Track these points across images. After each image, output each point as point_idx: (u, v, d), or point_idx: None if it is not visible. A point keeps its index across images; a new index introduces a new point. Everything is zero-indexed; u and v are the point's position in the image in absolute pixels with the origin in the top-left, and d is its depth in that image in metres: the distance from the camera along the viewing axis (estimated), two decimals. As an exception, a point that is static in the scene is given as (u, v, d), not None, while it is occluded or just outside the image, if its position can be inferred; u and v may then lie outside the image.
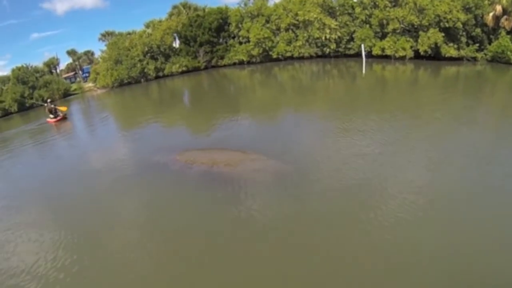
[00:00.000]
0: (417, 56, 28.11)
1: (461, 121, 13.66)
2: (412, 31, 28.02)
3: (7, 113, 37.27)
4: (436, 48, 26.33)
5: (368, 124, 13.78)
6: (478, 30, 24.95)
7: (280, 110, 19.64)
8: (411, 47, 27.92)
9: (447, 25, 25.01)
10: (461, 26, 24.72)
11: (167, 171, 11.72)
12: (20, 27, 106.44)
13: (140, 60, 40.75)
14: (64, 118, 26.34)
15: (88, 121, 27.84)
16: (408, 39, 28.07)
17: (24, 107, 37.19)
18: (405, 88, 21.73)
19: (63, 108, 27.52)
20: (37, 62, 67.77)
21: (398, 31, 28.56)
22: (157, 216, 9.26)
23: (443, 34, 25.48)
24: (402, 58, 28.71)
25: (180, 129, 19.11)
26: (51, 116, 26.26)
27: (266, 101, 23.25)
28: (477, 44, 25.21)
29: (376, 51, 30.19)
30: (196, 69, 42.81)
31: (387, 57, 29.88)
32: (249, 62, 40.14)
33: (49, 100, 29.38)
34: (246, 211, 8.49)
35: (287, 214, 8.19)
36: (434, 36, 25.73)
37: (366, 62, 30.97)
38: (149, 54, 41.37)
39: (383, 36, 30.11)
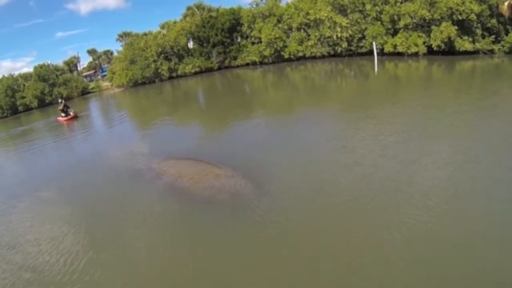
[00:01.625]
0: (431, 51, 27.05)
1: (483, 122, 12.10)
2: (425, 26, 27.09)
3: (28, 108, 38.90)
4: (450, 42, 25.24)
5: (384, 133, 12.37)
6: (494, 21, 23.79)
7: (289, 113, 18.69)
8: (424, 42, 26.93)
9: (460, 17, 23.98)
10: (475, 17, 23.65)
11: (138, 180, 11.72)
12: (46, 26, 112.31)
13: (154, 61, 41.49)
14: (75, 117, 26.95)
15: (97, 120, 28.45)
16: (420, 34, 27.12)
17: (43, 103, 38.62)
18: (420, 88, 19.99)
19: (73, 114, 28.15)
20: (61, 59, 70.52)
21: (410, 26, 27.67)
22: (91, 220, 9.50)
23: (456, 27, 24.44)
24: (415, 54, 27.69)
25: (184, 132, 18.89)
26: (63, 114, 26.95)
27: (276, 103, 22.68)
28: (493, 36, 24.09)
29: (388, 48, 29.32)
30: (209, 70, 43.16)
31: (399, 54, 28.94)
32: (261, 63, 40.03)
33: (59, 100, 30.18)
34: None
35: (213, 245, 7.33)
36: (447, 29, 24.68)
37: (378, 60, 30.09)
38: (163, 55, 42.02)
39: (395, 33, 29.27)
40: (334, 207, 7.91)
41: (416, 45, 27.24)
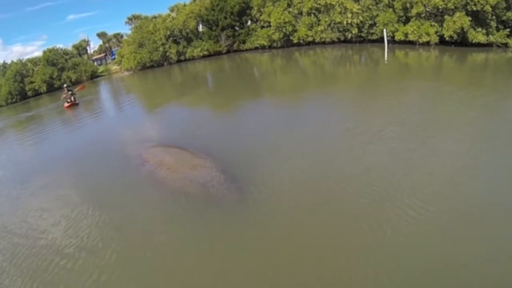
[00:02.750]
0: (443, 41, 26.32)
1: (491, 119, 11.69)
2: (438, 15, 26.24)
3: (37, 93, 39.42)
4: (463, 33, 24.51)
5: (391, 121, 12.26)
6: (510, 13, 22.91)
7: (295, 99, 18.63)
8: (436, 32, 26.20)
9: (474, 8, 23.15)
10: (490, 9, 22.79)
11: (123, 166, 12.21)
12: (57, 9, 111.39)
13: (162, 44, 41.23)
14: (75, 104, 27.41)
15: (102, 105, 28.84)
16: (432, 23, 26.34)
17: (52, 88, 39.05)
18: (429, 78, 19.46)
19: (80, 87, 28.39)
20: (72, 43, 70.56)
21: (422, 15, 26.85)
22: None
23: (470, 19, 23.64)
24: (427, 43, 27.01)
25: (187, 117, 18.89)
26: (68, 100, 27.46)
27: (284, 88, 22.64)
28: (508, 29, 23.18)
29: (399, 36, 28.62)
30: (218, 53, 42.77)
31: (410, 42, 28.25)
32: (270, 47, 39.51)
33: (65, 85, 30.45)
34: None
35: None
36: (461, 20, 23.91)
37: (388, 47, 29.44)
38: (171, 38, 41.70)
39: (407, 21, 28.47)
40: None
41: (428, 34, 26.52)
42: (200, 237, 7.41)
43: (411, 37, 27.65)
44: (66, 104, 27.57)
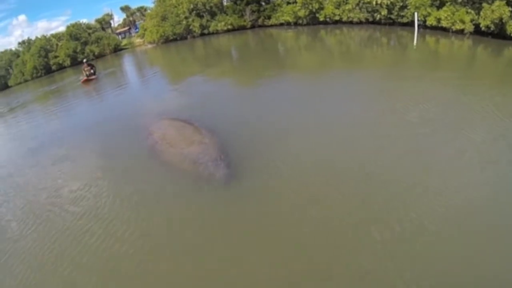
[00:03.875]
0: (478, 31, 24.22)
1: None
2: (476, 1, 23.97)
3: (61, 67, 40.56)
4: (501, 24, 22.36)
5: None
6: (556, 6, 20.58)
7: (316, 77, 18.49)
8: (472, 20, 24.02)
9: (516, -3, 20.95)
10: (534, 0, 20.55)
11: (130, 138, 13.15)
12: None
13: (186, 17, 40.59)
14: (89, 80, 28.02)
15: (118, 76, 29.54)
16: (469, 10, 24.12)
17: (76, 62, 39.92)
18: (458, 69, 18.14)
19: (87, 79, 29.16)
20: (96, 17, 70.98)
21: (459, 0, 24.63)
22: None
23: (511, 9, 21.46)
24: (461, 32, 25.00)
25: (205, 90, 19.27)
26: (86, 74, 28.11)
27: (306, 65, 22.58)
28: (553, 24, 20.93)
29: (430, 21, 26.57)
30: (242, 28, 41.79)
31: (443, 29, 26.20)
32: (295, 24, 38.02)
33: (85, 60, 30.96)
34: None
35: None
36: (500, 9, 21.70)
37: (419, 32, 27.58)
38: (194, 12, 40.85)
39: (441, 5, 26.23)
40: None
41: (462, 21, 24.42)
42: (178, 211, 7.93)
43: (443, 23, 25.61)
44: (82, 79, 28.29)
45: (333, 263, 5.71)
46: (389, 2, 29.18)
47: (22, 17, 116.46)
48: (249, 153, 9.61)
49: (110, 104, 21.22)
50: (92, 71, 28.53)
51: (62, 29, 46.01)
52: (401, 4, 28.93)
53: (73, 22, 42.99)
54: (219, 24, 40.64)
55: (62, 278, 6.64)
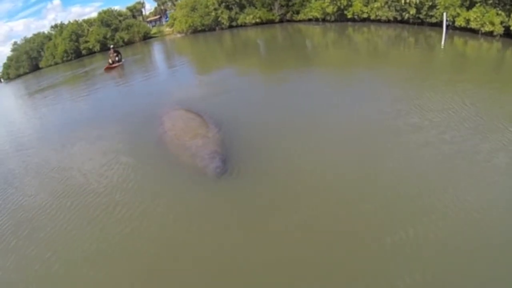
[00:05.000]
0: (509, 34, 24.26)
1: None
2: (508, 3, 24.02)
3: (90, 52, 42.17)
4: (533, 27, 22.44)
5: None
6: None
7: (340, 75, 18.49)
8: (502, 22, 24.01)
9: (549, 0, 20.96)
10: None
11: (145, 125, 13.47)
12: None
13: (215, 9, 41.49)
14: (112, 67, 28.95)
15: (144, 63, 30.43)
16: (499, 12, 24.09)
17: (105, 47, 41.41)
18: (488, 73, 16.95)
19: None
20: (128, 4, 72.58)
21: (489, 1, 24.67)
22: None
23: (542, 11, 21.53)
24: (490, 34, 25.06)
25: (229, 82, 19.56)
26: (110, 61, 29.00)
27: (332, 62, 22.65)
28: None
29: (459, 22, 26.54)
30: (270, 22, 42.39)
31: (472, 30, 26.21)
32: (323, 20, 38.42)
33: (111, 46, 31.89)
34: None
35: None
36: (531, 12, 21.86)
37: (447, 33, 27.62)
38: (224, 3, 41.73)
39: (471, 6, 26.25)
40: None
41: (492, 23, 24.36)
42: (170, 202, 8.09)
43: (472, 25, 25.59)
44: (106, 66, 29.18)
45: (332, 265, 5.61)
46: (418, 1, 29.24)
47: (56, 1, 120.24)
48: (252, 151, 9.47)
49: (133, 91, 21.91)
50: (117, 58, 29.26)
51: (94, 15, 47.79)
52: (430, 3, 28.99)
53: (105, 8, 44.91)
54: (247, 17, 41.40)
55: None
